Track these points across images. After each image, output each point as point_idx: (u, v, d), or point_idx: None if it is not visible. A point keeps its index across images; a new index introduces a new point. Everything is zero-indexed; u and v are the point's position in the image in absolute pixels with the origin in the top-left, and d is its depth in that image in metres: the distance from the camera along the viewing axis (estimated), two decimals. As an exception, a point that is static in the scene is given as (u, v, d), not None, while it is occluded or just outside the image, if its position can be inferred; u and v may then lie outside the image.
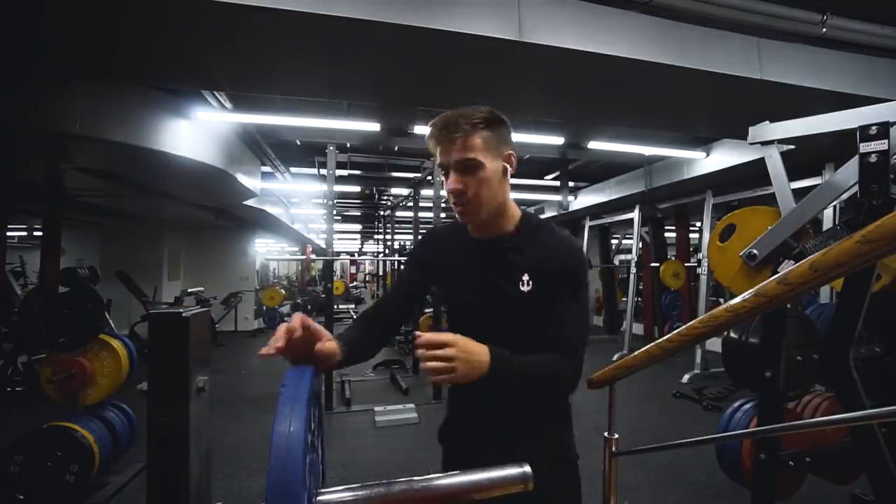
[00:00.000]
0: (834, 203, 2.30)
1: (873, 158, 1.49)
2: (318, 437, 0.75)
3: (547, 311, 0.90)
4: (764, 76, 2.46)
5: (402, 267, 1.27)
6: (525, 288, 0.91)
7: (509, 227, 0.96)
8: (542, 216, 8.11)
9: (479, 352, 0.81)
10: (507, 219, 0.96)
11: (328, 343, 0.82)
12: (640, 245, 6.87)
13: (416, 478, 0.66)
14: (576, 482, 0.97)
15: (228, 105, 3.36)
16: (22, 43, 2.05)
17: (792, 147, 2.48)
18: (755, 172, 4.25)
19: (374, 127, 3.81)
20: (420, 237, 1.11)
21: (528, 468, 0.69)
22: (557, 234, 0.95)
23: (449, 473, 0.69)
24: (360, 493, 0.64)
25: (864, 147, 1.51)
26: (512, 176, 0.96)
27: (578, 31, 2.17)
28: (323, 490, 0.64)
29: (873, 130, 1.49)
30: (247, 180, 4.63)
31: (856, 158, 1.54)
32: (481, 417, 0.96)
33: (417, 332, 0.77)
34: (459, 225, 1.01)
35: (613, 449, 1.15)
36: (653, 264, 7.27)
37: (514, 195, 0.98)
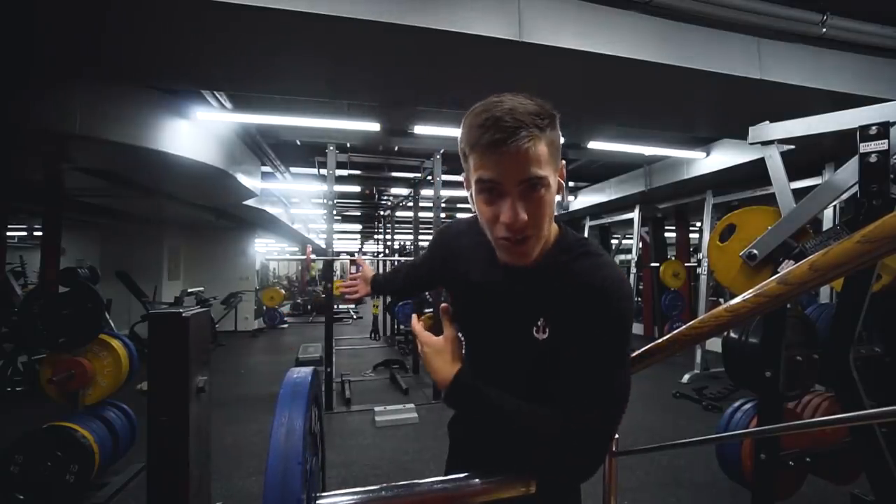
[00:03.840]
0: (834, 203, 2.29)
1: (873, 158, 1.49)
2: (318, 439, 0.75)
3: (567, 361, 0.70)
4: (764, 76, 2.46)
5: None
6: (540, 335, 0.71)
7: (539, 251, 0.74)
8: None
9: (441, 371, 0.74)
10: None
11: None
12: (640, 245, 6.87)
13: (416, 481, 0.66)
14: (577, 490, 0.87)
15: (228, 105, 3.36)
16: (21, 43, 2.05)
17: (792, 147, 2.48)
18: (755, 172, 4.25)
19: (374, 127, 3.81)
20: (443, 228, 0.99)
21: None
22: (596, 267, 0.70)
23: (450, 478, 0.69)
24: (359, 496, 0.64)
25: (864, 147, 1.51)
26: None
27: (578, 31, 2.17)
28: (323, 494, 0.63)
29: (873, 130, 1.49)
30: (247, 180, 4.63)
31: (856, 158, 1.54)
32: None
33: (414, 319, 0.80)
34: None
35: (613, 449, 1.15)
36: (653, 264, 7.27)
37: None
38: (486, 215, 0.68)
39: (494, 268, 0.78)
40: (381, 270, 10.11)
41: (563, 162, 0.71)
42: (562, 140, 0.70)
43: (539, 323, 0.71)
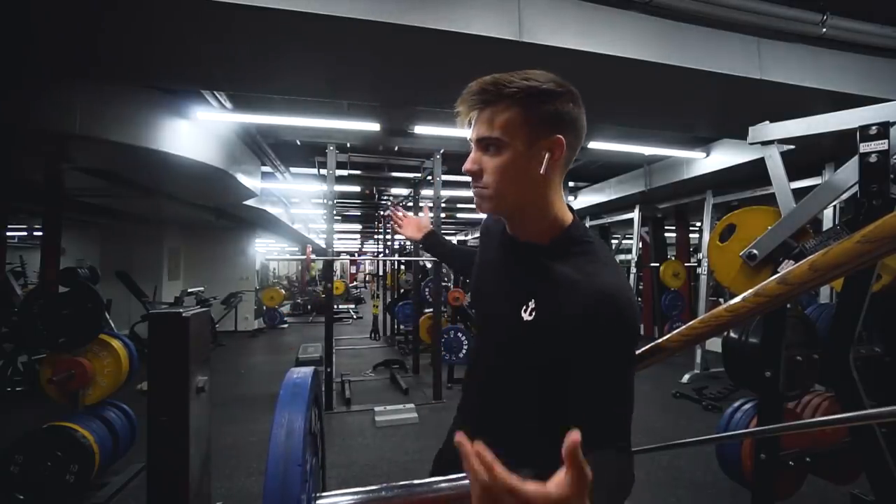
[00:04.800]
0: (834, 203, 2.29)
1: (873, 158, 1.49)
2: (318, 439, 0.75)
3: (556, 362, 0.67)
4: (764, 76, 2.46)
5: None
6: (527, 316, 0.71)
7: (543, 236, 0.75)
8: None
9: None
10: (542, 225, 0.74)
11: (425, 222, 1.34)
12: (640, 245, 6.87)
13: (416, 482, 0.66)
14: None
15: (228, 105, 3.36)
16: (21, 43, 2.05)
17: (792, 147, 2.48)
18: (755, 172, 4.25)
19: (374, 127, 3.81)
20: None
21: (527, 473, 0.69)
22: (596, 267, 0.69)
23: (449, 478, 0.69)
24: (359, 496, 0.64)
25: (864, 147, 1.51)
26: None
27: (578, 31, 2.17)
28: (323, 493, 0.63)
29: (873, 130, 1.49)
30: (247, 180, 4.63)
31: (856, 158, 1.54)
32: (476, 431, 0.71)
33: (468, 447, 0.41)
34: None
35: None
36: (653, 264, 7.27)
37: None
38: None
39: (504, 245, 0.83)
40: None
41: (559, 137, 0.70)
42: (563, 113, 0.72)
43: (530, 304, 0.72)
